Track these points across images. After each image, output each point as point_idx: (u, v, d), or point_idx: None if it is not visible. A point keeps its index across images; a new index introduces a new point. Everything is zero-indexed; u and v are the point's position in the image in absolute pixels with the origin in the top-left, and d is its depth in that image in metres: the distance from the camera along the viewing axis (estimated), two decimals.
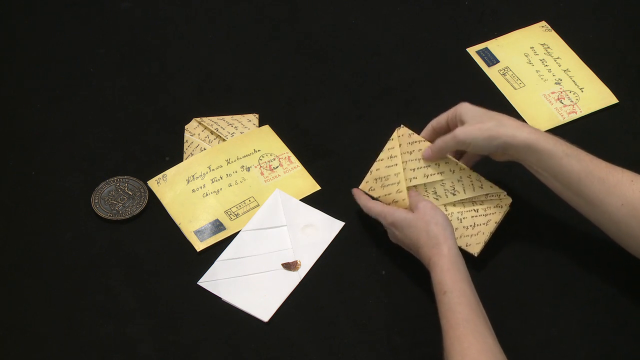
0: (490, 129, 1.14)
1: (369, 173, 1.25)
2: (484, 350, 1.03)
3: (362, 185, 1.25)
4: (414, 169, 1.23)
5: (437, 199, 1.22)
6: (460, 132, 1.16)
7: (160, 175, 1.32)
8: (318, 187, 1.31)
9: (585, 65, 1.45)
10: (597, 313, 1.18)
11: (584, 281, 1.21)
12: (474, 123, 1.16)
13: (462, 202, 1.22)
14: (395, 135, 1.24)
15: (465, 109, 1.18)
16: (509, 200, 1.22)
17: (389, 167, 1.24)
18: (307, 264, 1.23)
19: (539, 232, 1.26)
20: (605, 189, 1.11)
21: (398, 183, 1.22)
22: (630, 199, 1.10)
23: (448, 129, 1.20)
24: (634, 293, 1.20)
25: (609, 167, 1.13)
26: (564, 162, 1.13)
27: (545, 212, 1.26)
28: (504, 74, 1.44)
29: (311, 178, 1.32)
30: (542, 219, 1.26)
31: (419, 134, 1.25)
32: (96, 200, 1.29)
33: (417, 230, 1.15)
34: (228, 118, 1.39)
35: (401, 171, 1.23)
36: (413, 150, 1.23)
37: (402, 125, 1.25)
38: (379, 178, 1.24)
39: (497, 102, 1.41)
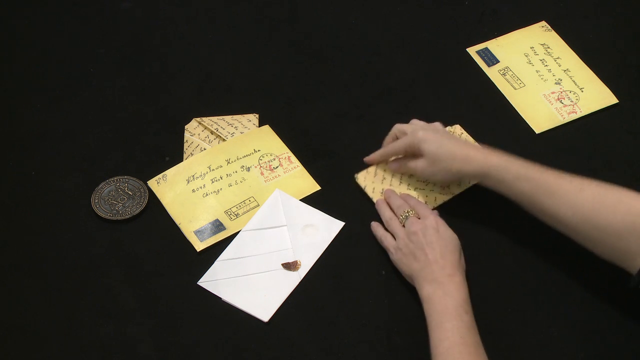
0: (449, 167, 1.22)
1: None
2: None
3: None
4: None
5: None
6: (422, 169, 1.24)
7: (160, 175, 1.32)
8: (318, 187, 1.31)
9: (585, 65, 1.45)
10: (596, 313, 1.18)
11: (583, 281, 1.21)
12: (432, 157, 1.23)
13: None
14: None
15: (421, 141, 1.24)
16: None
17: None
18: (307, 264, 1.23)
19: (538, 232, 1.25)
20: (555, 202, 1.15)
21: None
22: (580, 207, 1.13)
23: (404, 154, 1.29)
24: (634, 293, 1.20)
25: (558, 179, 1.16)
26: (514, 186, 1.18)
27: None
28: (504, 74, 1.44)
29: (311, 178, 1.32)
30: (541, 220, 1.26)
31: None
32: (96, 200, 1.29)
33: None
34: (228, 118, 1.39)
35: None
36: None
37: None
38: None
39: (497, 102, 1.41)
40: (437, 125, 1.29)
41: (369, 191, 1.29)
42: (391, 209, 1.26)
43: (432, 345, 1.08)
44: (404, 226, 1.21)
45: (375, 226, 1.25)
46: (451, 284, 1.12)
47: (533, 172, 1.17)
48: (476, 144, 1.28)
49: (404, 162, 1.28)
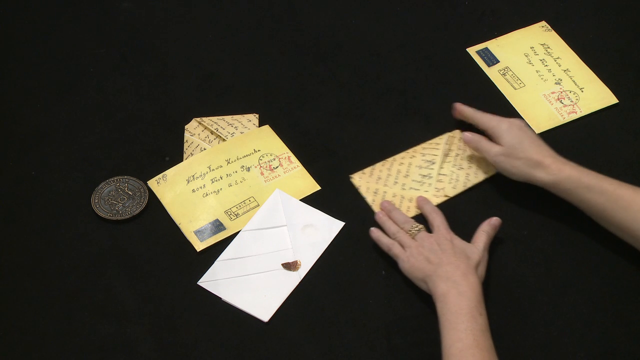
0: (521, 167, 1.23)
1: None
2: None
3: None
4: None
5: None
6: (494, 155, 1.26)
7: (160, 175, 1.32)
8: (318, 187, 1.31)
9: (585, 65, 1.45)
10: (597, 313, 1.18)
11: (584, 281, 1.21)
12: (508, 151, 1.24)
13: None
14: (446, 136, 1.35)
15: (504, 132, 1.26)
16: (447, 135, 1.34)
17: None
18: (307, 264, 1.23)
19: (538, 232, 1.26)
20: (631, 216, 1.15)
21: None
22: None
23: (483, 130, 1.30)
24: (634, 293, 1.20)
25: (633, 194, 1.16)
26: (587, 197, 1.19)
27: (545, 212, 1.26)
28: (504, 74, 1.44)
29: (311, 178, 1.32)
30: (541, 219, 1.26)
31: (426, 137, 1.35)
32: (96, 200, 1.29)
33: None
34: (228, 118, 1.39)
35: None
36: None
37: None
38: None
39: (497, 102, 1.41)
40: (521, 122, 1.28)
41: (363, 191, 1.29)
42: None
43: (445, 345, 1.08)
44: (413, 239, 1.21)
45: (377, 233, 1.24)
46: (466, 283, 1.12)
47: (607, 185, 1.17)
48: (550, 149, 1.25)
49: (480, 139, 1.28)
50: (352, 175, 1.31)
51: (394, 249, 1.21)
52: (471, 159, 1.32)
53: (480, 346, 1.06)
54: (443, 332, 1.09)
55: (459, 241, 1.19)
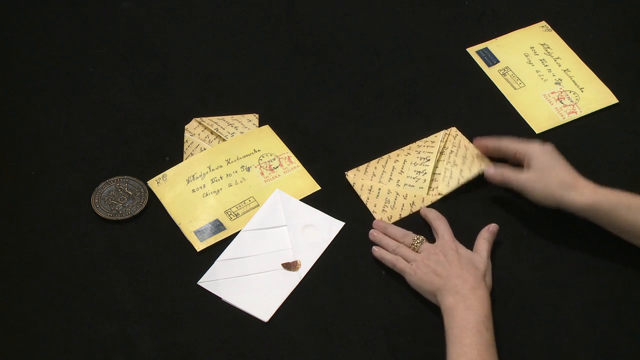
0: (554, 190, 1.19)
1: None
2: None
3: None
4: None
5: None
6: (525, 180, 1.22)
7: (160, 175, 1.32)
8: (318, 187, 1.31)
9: (585, 65, 1.45)
10: (597, 313, 1.18)
11: (584, 281, 1.21)
12: (539, 174, 1.20)
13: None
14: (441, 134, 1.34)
15: (536, 154, 1.22)
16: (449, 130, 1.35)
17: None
18: (307, 264, 1.23)
19: (539, 232, 1.26)
20: None
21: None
22: None
23: (510, 156, 1.26)
24: (634, 293, 1.20)
25: None
26: (628, 217, 1.16)
27: (545, 212, 1.25)
28: (504, 74, 1.44)
29: (311, 178, 1.32)
30: (541, 219, 1.26)
31: (426, 137, 1.35)
32: (96, 200, 1.29)
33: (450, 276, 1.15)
34: (228, 118, 1.39)
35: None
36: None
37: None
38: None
39: (497, 102, 1.41)
40: (552, 146, 1.25)
41: (357, 188, 1.29)
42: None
43: (449, 359, 1.08)
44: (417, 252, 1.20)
45: (379, 252, 1.22)
46: (474, 297, 1.11)
47: None
48: (579, 174, 1.22)
49: (503, 170, 1.25)
50: (347, 172, 1.31)
51: (399, 263, 1.20)
52: (465, 157, 1.31)
53: None
54: (449, 345, 1.09)
55: (464, 250, 1.18)
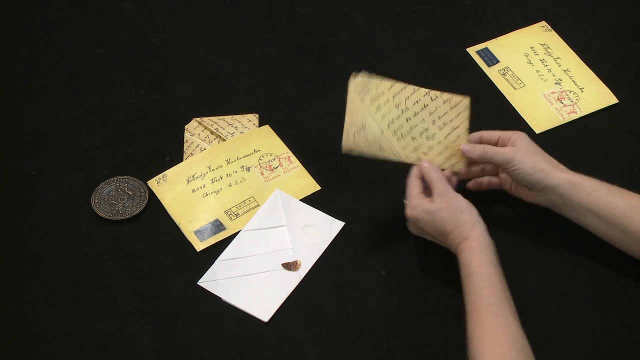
0: (539, 162, 1.18)
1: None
2: (504, 334, 1.05)
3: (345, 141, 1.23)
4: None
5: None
6: (512, 152, 1.19)
7: (160, 175, 1.32)
8: (318, 187, 1.31)
9: (585, 65, 1.45)
10: (597, 313, 1.18)
11: (584, 281, 1.21)
12: (526, 151, 1.19)
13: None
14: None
15: (521, 137, 1.21)
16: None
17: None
18: (307, 264, 1.23)
19: (539, 232, 1.26)
20: None
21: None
22: None
23: (493, 142, 1.23)
24: (634, 293, 1.20)
25: None
26: (609, 200, 1.16)
27: (545, 212, 1.25)
28: (504, 74, 1.44)
29: (311, 178, 1.32)
30: (541, 219, 1.26)
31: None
32: (96, 200, 1.29)
33: (443, 219, 1.15)
34: (228, 118, 1.39)
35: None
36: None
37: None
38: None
39: (497, 102, 1.41)
40: (524, 135, 1.22)
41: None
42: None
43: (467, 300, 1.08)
44: None
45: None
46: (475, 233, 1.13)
47: (626, 192, 1.16)
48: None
49: (484, 145, 1.22)
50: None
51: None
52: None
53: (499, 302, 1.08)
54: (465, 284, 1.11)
55: (424, 215, 1.17)
